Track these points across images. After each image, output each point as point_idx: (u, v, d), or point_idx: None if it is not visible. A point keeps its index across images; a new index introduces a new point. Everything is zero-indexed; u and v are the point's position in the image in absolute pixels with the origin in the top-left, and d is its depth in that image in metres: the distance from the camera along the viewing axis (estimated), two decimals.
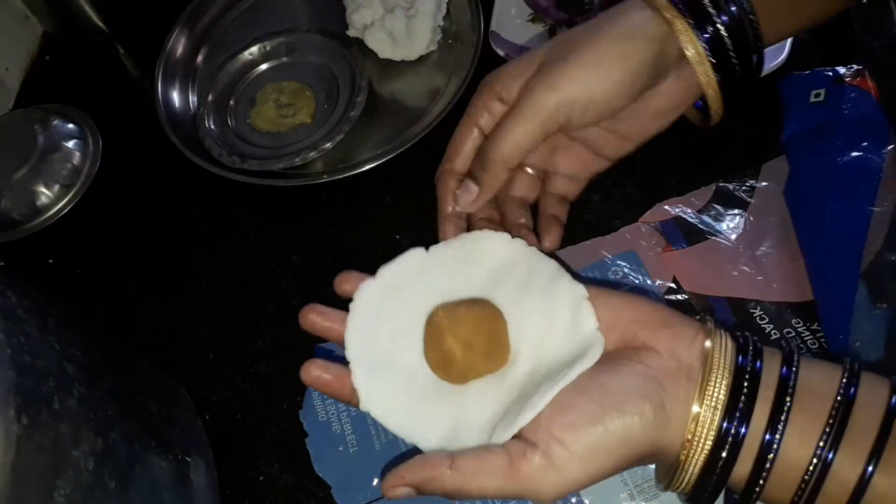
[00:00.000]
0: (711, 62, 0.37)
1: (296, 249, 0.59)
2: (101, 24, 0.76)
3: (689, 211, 0.53)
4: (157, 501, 0.40)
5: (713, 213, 0.52)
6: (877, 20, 0.55)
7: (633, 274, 0.51)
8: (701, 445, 0.31)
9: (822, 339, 0.46)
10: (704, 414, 0.30)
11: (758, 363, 0.31)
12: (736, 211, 0.52)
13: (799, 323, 0.47)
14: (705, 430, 0.30)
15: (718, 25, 0.37)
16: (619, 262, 0.52)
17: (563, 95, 0.37)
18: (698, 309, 0.49)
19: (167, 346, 0.56)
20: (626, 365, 0.32)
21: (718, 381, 0.31)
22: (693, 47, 0.37)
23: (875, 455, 0.28)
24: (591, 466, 0.31)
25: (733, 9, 0.37)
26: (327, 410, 0.50)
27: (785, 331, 0.47)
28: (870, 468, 0.28)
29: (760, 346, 0.32)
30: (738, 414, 0.30)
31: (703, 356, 0.32)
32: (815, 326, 0.47)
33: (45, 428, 0.31)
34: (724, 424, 0.30)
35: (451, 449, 0.33)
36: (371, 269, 0.40)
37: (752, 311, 0.48)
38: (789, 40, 0.55)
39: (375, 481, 0.46)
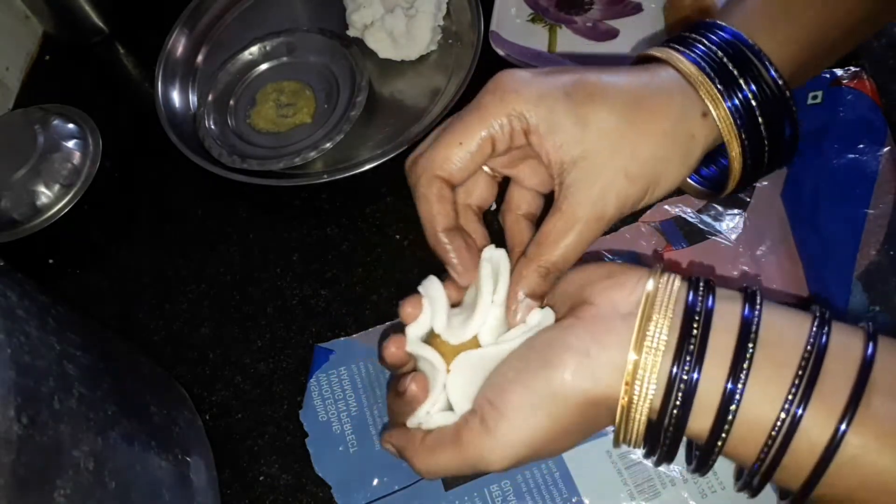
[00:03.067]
0: (739, 130, 0.34)
1: (296, 249, 0.59)
2: (101, 24, 0.76)
3: (689, 211, 0.53)
4: (157, 501, 0.40)
5: (713, 212, 0.52)
6: None
7: None
8: (644, 391, 0.29)
9: None
10: (645, 358, 0.29)
11: (710, 301, 0.29)
12: (736, 211, 0.52)
13: None
14: (647, 374, 0.29)
15: (747, 93, 0.34)
16: (618, 262, 0.52)
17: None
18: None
19: (167, 346, 0.56)
20: (561, 323, 0.32)
21: (661, 322, 0.29)
22: (720, 111, 0.34)
23: (849, 412, 0.26)
24: (525, 427, 0.31)
25: (770, 75, 0.35)
26: (327, 410, 0.50)
27: None
28: (843, 426, 0.26)
29: (713, 284, 0.31)
30: (687, 358, 0.28)
31: (644, 299, 0.30)
32: None
33: (45, 428, 0.31)
34: (673, 370, 0.28)
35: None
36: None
37: None
38: None
39: (375, 481, 0.46)
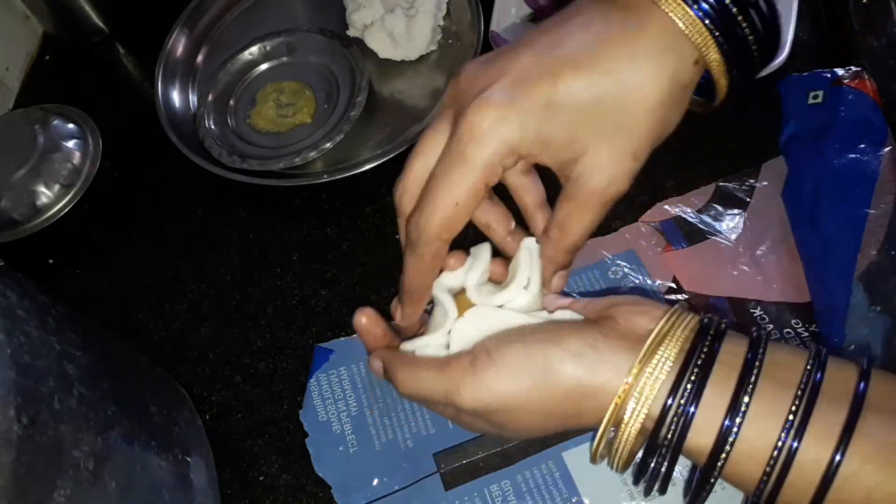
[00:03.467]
0: (704, 21, 0.31)
1: (296, 249, 0.59)
2: (101, 24, 0.76)
3: (689, 210, 0.53)
4: (157, 501, 0.40)
5: (713, 212, 0.52)
6: (877, 20, 0.55)
7: (632, 274, 0.51)
8: (636, 416, 0.30)
9: (821, 341, 0.46)
10: (644, 385, 0.30)
11: (716, 345, 0.30)
12: (736, 211, 0.52)
13: (798, 324, 0.47)
14: (642, 399, 0.30)
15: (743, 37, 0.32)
16: (619, 261, 0.52)
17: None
18: (698, 309, 0.49)
19: (167, 345, 0.56)
20: (579, 321, 0.34)
21: (666, 356, 0.30)
22: (712, 55, 0.32)
23: (843, 442, 0.27)
24: (508, 383, 0.32)
25: None
26: (327, 410, 0.50)
27: (785, 331, 0.47)
28: (838, 456, 0.27)
29: (724, 329, 0.31)
30: (685, 392, 0.29)
31: (658, 329, 0.31)
32: (814, 328, 0.47)
33: (45, 428, 0.31)
34: (668, 401, 0.29)
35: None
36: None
37: (752, 310, 0.48)
38: (789, 40, 0.55)
39: (375, 481, 0.46)
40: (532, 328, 0.34)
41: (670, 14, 0.31)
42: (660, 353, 0.30)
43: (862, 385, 0.28)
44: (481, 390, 0.32)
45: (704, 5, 0.30)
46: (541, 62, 0.32)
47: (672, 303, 0.35)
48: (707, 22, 0.31)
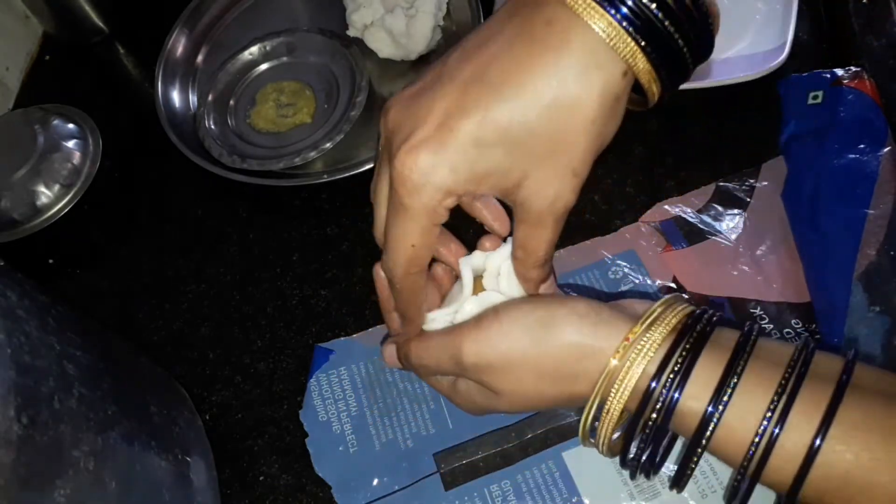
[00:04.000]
0: (628, 30, 0.30)
1: (296, 249, 0.59)
2: (101, 24, 0.76)
3: (689, 210, 0.53)
4: (157, 501, 0.40)
5: (713, 212, 0.52)
6: (877, 20, 0.55)
7: (632, 274, 0.51)
8: (619, 394, 0.31)
9: (821, 341, 0.46)
10: (633, 361, 0.31)
11: (708, 329, 0.31)
12: (736, 211, 0.52)
13: (798, 324, 0.47)
14: (627, 378, 0.31)
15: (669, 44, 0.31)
16: (619, 261, 0.52)
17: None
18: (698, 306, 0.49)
19: (167, 346, 0.56)
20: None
21: (658, 335, 0.31)
22: (639, 65, 0.31)
23: (823, 428, 0.28)
24: (510, 339, 0.33)
25: None
26: (327, 410, 0.50)
27: (785, 331, 0.47)
28: (818, 441, 0.28)
29: (717, 319, 0.32)
30: (673, 372, 0.30)
31: (649, 312, 0.32)
32: (814, 328, 0.47)
33: (45, 428, 0.31)
34: (652, 384, 0.30)
35: None
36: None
37: (752, 310, 0.48)
38: (789, 41, 0.55)
39: (375, 481, 0.46)
40: (542, 299, 0.35)
41: (592, 25, 0.29)
42: (652, 331, 0.31)
43: (845, 377, 0.29)
44: (483, 345, 0.33)
45: (624, 9, 0.29)
46: (465, 97, 0.31)
47: None
48: (631, 29, 0.29)
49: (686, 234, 0.52)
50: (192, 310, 0.57)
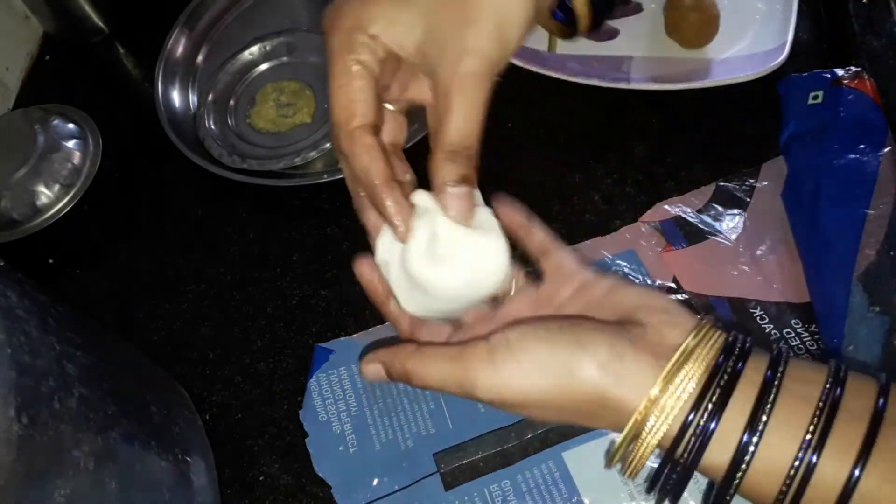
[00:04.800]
0: None
1: (296, 249, 0.59)
2: (101, 24, 0.76)
3: (689, 210, 0.53)
4: (157, 501, 0.40)
5: (713, 212, 0.52)
6: (877, 20, 0.55)
7: (633, 274, 0.51)
8: (657, 427, 0.30)
9: (821, 341, 0.46)
10: (667, 402, 0.29)
11: (739, 365, 0.30)
12: (736, 211, 0.52)
13: (798, 324, 0.47)
14: (664, 415, 0.29)
15: None
16: (619, 261, 0.52)
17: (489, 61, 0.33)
18: (698, 309, 0.49)
19: (167, 346, 0.56)
20: (607, 322, 0.33)
21: (690, 375, 0.30)
22: None
23: (862, 458, 0.27)
24: (529, 380, 0.31)
25: None
26: (327, 410, 0.50)
27: (785, 331, 0.47)
28: (857, 471, 0.27)
29: (749, 349, 0.31)
30: (706, 412, 0.29)
31: (682, 349, 0.31)
32: (813, 328, 0.47)
33: (45, 428, 0.31)
34: (690, 417, 0.29)
35: None
36: None
37: (752, 311, 0.48)
38: (789, 41, 0.55)
39: (375, 481, 0.46)
40: (559, 325, 0.32)
41: None
42: (685, 370, 0.30)
43: (881, 401, 0.28)
44: (499, 385, 0.31)
45: None
46: None
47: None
48: None
49: (686, 234, 0.52)
50: (192, 310, 0.57)
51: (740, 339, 0.31)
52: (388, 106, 0.37)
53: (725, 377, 0.30)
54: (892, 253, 0.45)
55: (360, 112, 0.34)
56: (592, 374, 0.30)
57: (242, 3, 0.74)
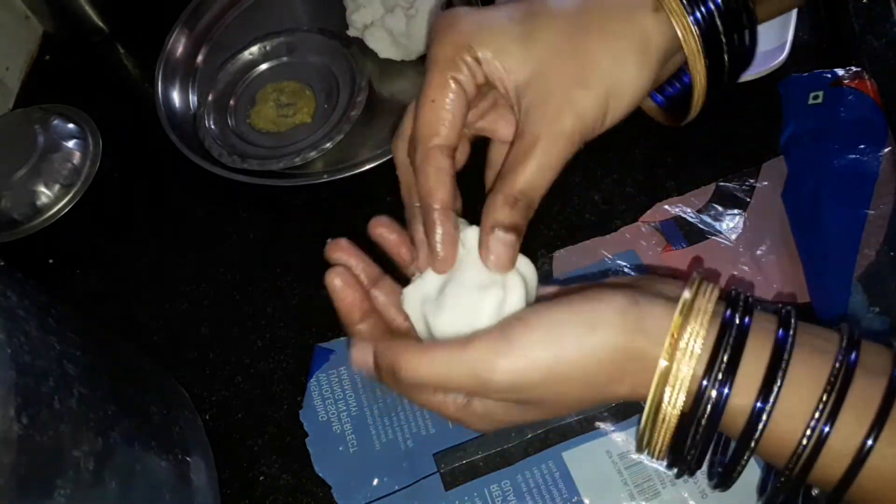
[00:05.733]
0: (700, 43, 0.33)
1: (296, 249, 0.59)
2: (101, 24, 0.76)
3: (689, 210, 0.53)
4: (157, 501, 0.40)
5: (713, 212, 0.52)
6: (877, 20, 0.55)
7: (633, 274, 0.51)
8: (674, 400, 0.28)
9: None
10: (679, 365, 0.28)
11: (747, 319, 0.29)
12: (735, 211, 0.52)
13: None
14: (679, 382, 0.28)
15: (710, 5, 0.33)
16: (619, 261, 0.52)
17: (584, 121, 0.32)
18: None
19: (167, 346, 0.56)
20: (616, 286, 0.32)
21: (696, 331, 0.29)
22: (684, 29, 0.33)
23: (876, 427, 0.27)
24: (549, 349, 0.29)
25: None
26: (327, 410, 0.50)
27: None
28: (870, 441, 0.27)
29: (753, 303, 0.30)
30: (719, 371, 0.28)
31: (681, 304, 0.30)
32: None
33: (45, 428, 0.31)
34: (704, 383, 0.28)
35: None
36: None
37: None
38: (789, 41, 0.55)
39: (375, 481, 0.46)
40: (567, 293, 0.31)
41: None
42: (693, 322, 0.29)
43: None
44: (519, 360, 0.28)
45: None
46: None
47: None
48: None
49: (686, 234, 0.52)
50: (192, 310, 0.57)
51: (742, 296, 0.30)
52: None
53: (734, 334, 0.29)
54: (892, 253, 0.45)
55: (444, 133, 0.33)
56: (615, 326, 0.29)
57: (242, 3, 0.74)
